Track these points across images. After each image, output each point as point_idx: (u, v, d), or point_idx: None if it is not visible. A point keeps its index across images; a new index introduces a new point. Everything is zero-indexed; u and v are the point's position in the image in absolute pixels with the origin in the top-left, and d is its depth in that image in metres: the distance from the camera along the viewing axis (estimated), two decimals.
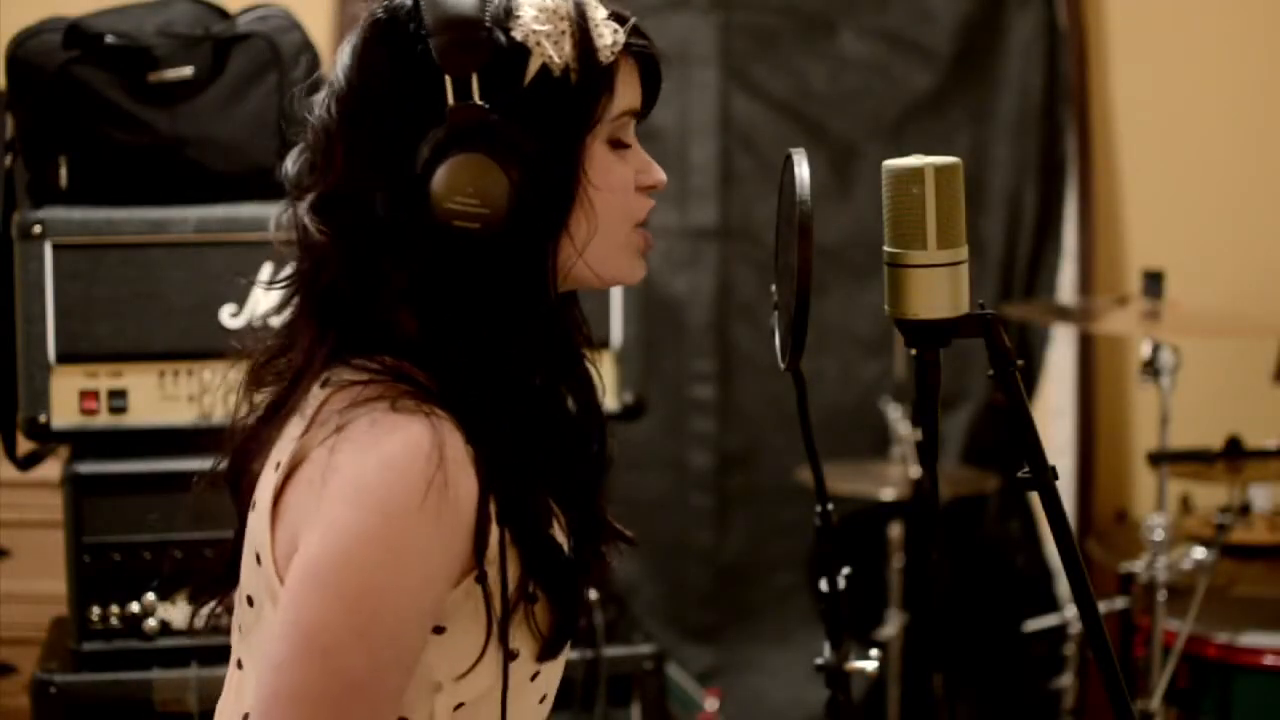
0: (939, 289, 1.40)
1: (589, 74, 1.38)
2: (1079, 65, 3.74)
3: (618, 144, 1.43)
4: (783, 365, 1.49)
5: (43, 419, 2.42)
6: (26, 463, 2.59)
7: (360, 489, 1.30)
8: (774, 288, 1.55)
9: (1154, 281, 3.15)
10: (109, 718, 2.42)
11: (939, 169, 1.39)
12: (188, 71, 2.50)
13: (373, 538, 1.29)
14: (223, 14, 2.59)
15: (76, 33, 2.47)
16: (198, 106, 2.51)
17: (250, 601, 1.41)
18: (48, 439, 2.47)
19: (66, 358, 2.42)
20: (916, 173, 1.39)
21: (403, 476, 1.29)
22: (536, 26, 1.36)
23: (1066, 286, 3.77)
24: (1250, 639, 2.91)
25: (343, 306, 1.40)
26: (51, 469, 2.59)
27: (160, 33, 2.51)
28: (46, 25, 2.50)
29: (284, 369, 1.45)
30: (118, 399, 2.43)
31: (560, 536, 1.43)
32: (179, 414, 2.44)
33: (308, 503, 1.33)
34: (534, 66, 1.37)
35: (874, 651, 1.83)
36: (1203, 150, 3.80)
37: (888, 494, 3.35)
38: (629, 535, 1.56)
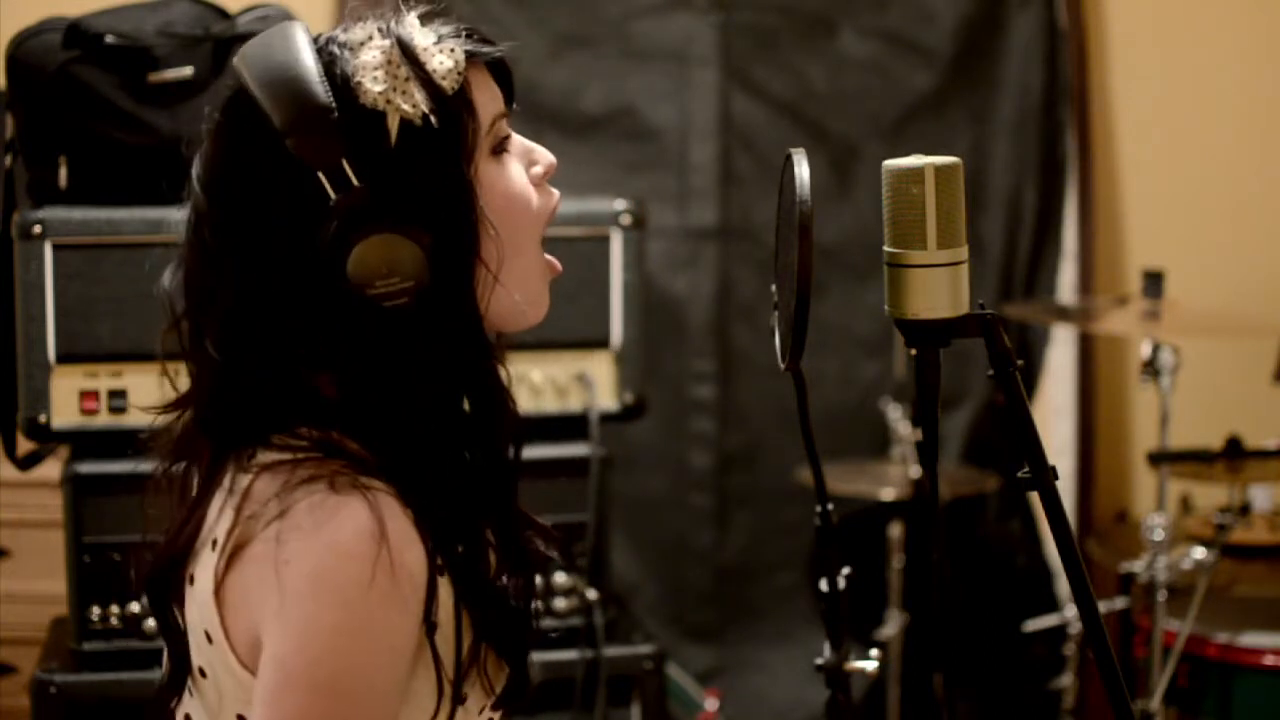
0: (939, 289, 1.41)
1: (446, 109, 1.36)
2: (1079, 65, 3.74)
3: (499, 149, 1.42)
4: (783, 365, 1.49)
5: (43, 419, 2.42)
6: (26, 463, 2.59)
7: (315, 582, 1.29)
8: (774, 288, 1.55)
9: (1154, 281, 3.15)
10: (109, 718, 2.42)
11: (939, 169, 1.39)
12: (188, 71, 2.50)
13: (336, 628, 1.29)
14: (223, 14, 2.58)
15: (76, 33, 2.47)
16: (198, 106, 2.50)
17: (203, 673, 1.39)
18: (48, 439, 2.47)
19: (66, 358, 2.42)
20: (916, 173, 1.39)
21: (353, 561, 1.28)
22: (379, 88, 1.35)
23: (1066, 286, 3.77)
24: (1250, 639, 2.90)
25: (253, 388, 1.38)
26: (51, 469, 2.59)
27: (160, 33, 2.51)
28: (46, 25, 2.50)
29: (187, 446, 1.44)
30: (118, 399, 2.43)
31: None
32: None
33: (263, 594, 1.32)
34: (394, 126, 1.35)
35: (874, 651, 1.83)
36: (1203, 150, 3.80)
37: (888, 494, 3.34)
38: (545, 525, 1.53)
